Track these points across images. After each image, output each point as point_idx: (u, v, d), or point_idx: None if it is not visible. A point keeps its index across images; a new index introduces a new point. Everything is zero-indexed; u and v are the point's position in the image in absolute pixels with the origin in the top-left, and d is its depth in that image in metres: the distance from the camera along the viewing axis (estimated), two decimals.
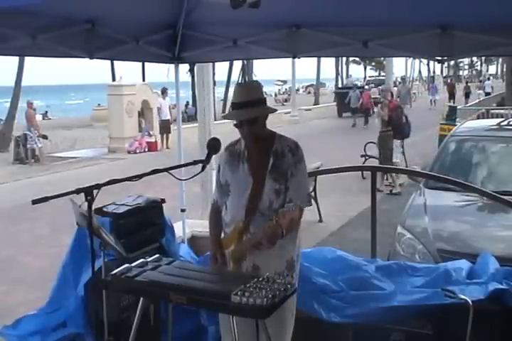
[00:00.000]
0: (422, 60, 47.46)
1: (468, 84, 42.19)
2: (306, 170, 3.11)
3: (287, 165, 3.02)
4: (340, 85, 45.70)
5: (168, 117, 18.32)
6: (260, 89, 3.14)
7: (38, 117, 18.74)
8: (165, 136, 18.37)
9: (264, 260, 2.99)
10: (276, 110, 3.26)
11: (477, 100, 26.99)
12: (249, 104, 2.95)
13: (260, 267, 3.01)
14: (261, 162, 3.04)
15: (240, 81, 35.14)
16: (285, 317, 3.02)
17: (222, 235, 3.20)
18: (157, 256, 3.08)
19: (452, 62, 63.73)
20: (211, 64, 6.24)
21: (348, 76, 50.50)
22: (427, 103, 34.61)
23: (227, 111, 28.60)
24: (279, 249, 2.96)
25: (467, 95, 35.54)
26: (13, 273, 6.54)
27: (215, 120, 7.39)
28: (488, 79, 43.54)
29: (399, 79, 38.42)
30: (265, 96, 3.15)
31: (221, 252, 3.12)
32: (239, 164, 3.10)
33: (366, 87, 30.77)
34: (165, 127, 18.32)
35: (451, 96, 34.96)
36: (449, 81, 47.96)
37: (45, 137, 17.17)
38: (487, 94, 33.84)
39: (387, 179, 11.17)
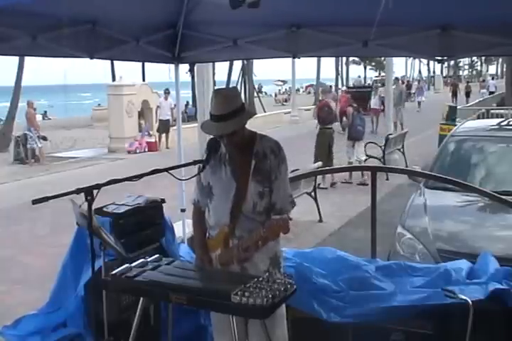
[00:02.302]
0: (422, 60, 47.63)
1: (469, 83, 42.68)
2: (287, 171, 3.12)
3: (270, 166, 3.00)
4: (340, 85, 45.79)
5: (168, 117, 18.32)
6: (237, 97, 3.04)
7: (38, 117, 18.75)
8: (164, 135, 18.38)
9: (250, 262, 3.01)
10: (255, 113, 3.21)
11: (477, 100, 27.00)
12: (227, 117, 2.88)
13: (247, 268, 3.02)
14: (243, 164, 3.02)
15: (240, 81, 35.15)
16: (279, 316, 3.01)
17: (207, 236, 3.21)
18: (157, 256, 3.09)
19: (452, 62, 63.79)
20: (211, 64, 6.23)
21: (358, 76, 50.81)
22: (415, 106, 34.22)
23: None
24: (262, 250, 3.00)
25: (468, 94, 36.28)
26: (13, 273, 6.53)
27: None
28: (492, 78, 44.20)
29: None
30: (242, 101, 3.04)
31: (208, 256, 3.12)
32: (221, 167, 3.06)
33: (344, 88, 28.79)
34: (164, 127, 18.33)
35: (454, 94, 35.84)
36: (448, 81, 47.92)
37: (44, 138, 17.17)
38: (491, 93, 34.68)
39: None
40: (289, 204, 3.07)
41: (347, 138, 12.27)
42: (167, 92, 18.63)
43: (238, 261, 2.99)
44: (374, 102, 21.93)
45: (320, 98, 12.01)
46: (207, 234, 3.19)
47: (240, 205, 3.01)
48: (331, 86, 31.07)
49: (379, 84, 32.07)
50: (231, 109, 2.90)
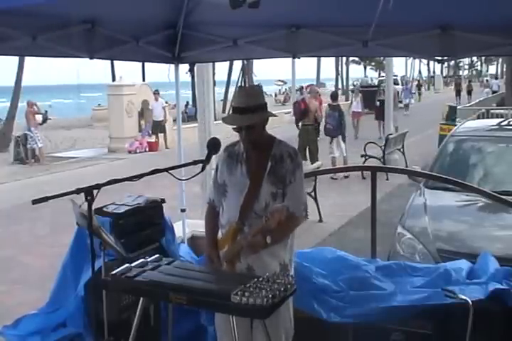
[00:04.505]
0: (422, 60, 47.84)
1: (471, 83, 44.18)
2: (303, 178, 3.13)
3: (286, 170, 3.03)
4: (340, 86, 45.91)
5: (161, 118, 18.31)
6: (261, 94, 3.17)
7: (38, 117, 18.70)
8: (161, 136, 18.38)
9: (258, 262, 3.01)
10: (275, 115, 3.27)
11: (477, 100, 27.05)
12: (249, 110, 2.96)
13: (254, 269, 3.02)
14: (259, 165, 3.06)
15: (240, 81, 35.14)
16: (282, 317, 3.03)
17: (219, 235, 3.22)
18: (157, 256, 3.09)
19: (452, 62, 63.82)
20: (211, 64, 6.22)
21: (365, 76, 51.49)
22: (418, 105, 33.81)
23: (227, 112, 28.48)
24: (271, 253, 3.00)
25: (469, 92, 38.63)
26: (13, 273, 6.54)
27: (215, 120, 7.39)
28: (496, 78, 45.86)
29: (399, 79, 38.20)
30: (265, 101, 3.14)
31: (216, 253, 3.12)
32: (237, 165, 3.11)
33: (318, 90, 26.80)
34: (158, 127, 18.35)
35: (458, 94, 37.83)
36: (448, 81, 48.34)
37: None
38: (494, 92, 35.71)
39: None
40: (302, 211, 3.06)
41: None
42: (157, 93, 18.65)
43: (247, 252, 2.96)
44: (355, 105, 20.49)
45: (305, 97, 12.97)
46: (219, 234, 3.21)
47: (252, 204, 3.03)
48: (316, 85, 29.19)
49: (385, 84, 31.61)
50: (255, 103, 2.98)
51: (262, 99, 3.10)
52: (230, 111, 3.12)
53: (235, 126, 3.02)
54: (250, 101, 2.99)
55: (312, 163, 11.75)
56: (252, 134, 3.01)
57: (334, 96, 13.33)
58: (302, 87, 23.30)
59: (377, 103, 19.42)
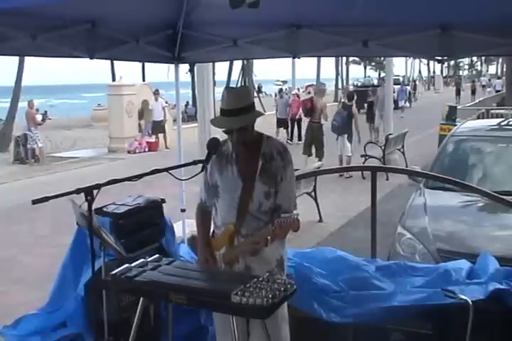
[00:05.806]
0: (422, 60, 47.98)
1: (474, 83, 46.14)
2: (293, 173, 3.14)
3: (276, 168, 3.03)
4: (340, 86, 45.90)
5: (161, 118, 18.31)
6: (250, 94, 3.15)
7: (38, 117, 18.69)
8: (161, 136, 18.38)
9: (255, 260, 3.03)
10: (263, 114, 3.25)
11: (477, 100, 27.07)
12: (238, 112, 2.92)
13: (252, 267, 3.03)
14: (250, 164, 3.04)
15: (240, 81, 35.13)
16: (280, 317, 3.03)
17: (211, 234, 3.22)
18: (157, 256, 3.09)
19: (452, 62, 63.92)
20: (211, 64, 6.24)
21: (368, 76, 52.12)
22: (417, 105, 33.51)
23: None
24: (267, 252, 3.01)
25: (473, 92, 40.56)
26: (13, 273, 6.54)
27: None
28: (499, 78, 48.50)
29: (400, 79, 38.18)
30: (253, 100, 3.11)
31: (211, 253, 3.13)
32: (227, 166, 3.09)
33: (297, 91, 24.95)
34: (157, 128, 18.35)
35: (458, 93, 38.88)
36: (448, 81, 48.93)
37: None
38: (497, 91, 37.41)
39: None
40: (292, 207, 3.08)
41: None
42: (157, 93, 18.64)
43: (249, 254, 2.99)
44: None
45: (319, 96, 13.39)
46: (210, 233, 3.20)
47: (246, 205, 3.02)
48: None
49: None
50: (244, 105, 2.95)
51: (250, 99, 3.07)
52: (219, 114, 3.03)
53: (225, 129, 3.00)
54: (243, 103, 2.95)
55: (319, 159, 11.93)
56: (244, 135, 2.99)
57: (350, 96, 13.41)
58: (282, 90, 23.18)
59: (365, 105, 19.22)
